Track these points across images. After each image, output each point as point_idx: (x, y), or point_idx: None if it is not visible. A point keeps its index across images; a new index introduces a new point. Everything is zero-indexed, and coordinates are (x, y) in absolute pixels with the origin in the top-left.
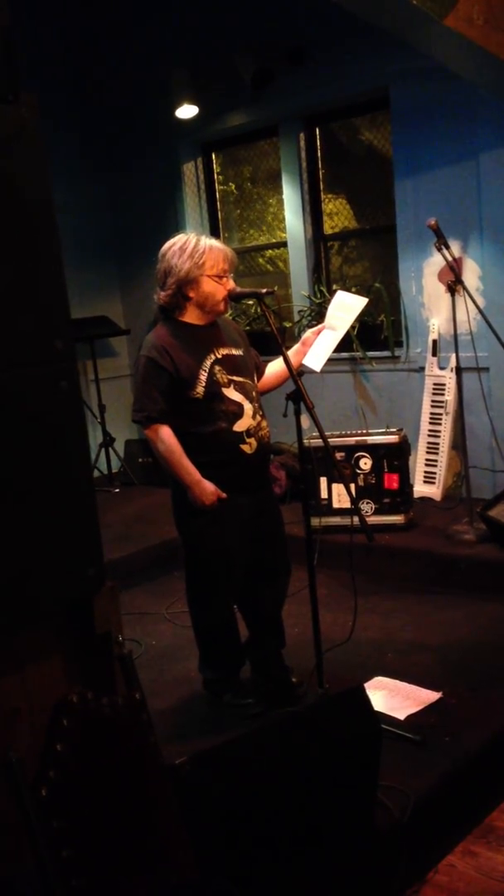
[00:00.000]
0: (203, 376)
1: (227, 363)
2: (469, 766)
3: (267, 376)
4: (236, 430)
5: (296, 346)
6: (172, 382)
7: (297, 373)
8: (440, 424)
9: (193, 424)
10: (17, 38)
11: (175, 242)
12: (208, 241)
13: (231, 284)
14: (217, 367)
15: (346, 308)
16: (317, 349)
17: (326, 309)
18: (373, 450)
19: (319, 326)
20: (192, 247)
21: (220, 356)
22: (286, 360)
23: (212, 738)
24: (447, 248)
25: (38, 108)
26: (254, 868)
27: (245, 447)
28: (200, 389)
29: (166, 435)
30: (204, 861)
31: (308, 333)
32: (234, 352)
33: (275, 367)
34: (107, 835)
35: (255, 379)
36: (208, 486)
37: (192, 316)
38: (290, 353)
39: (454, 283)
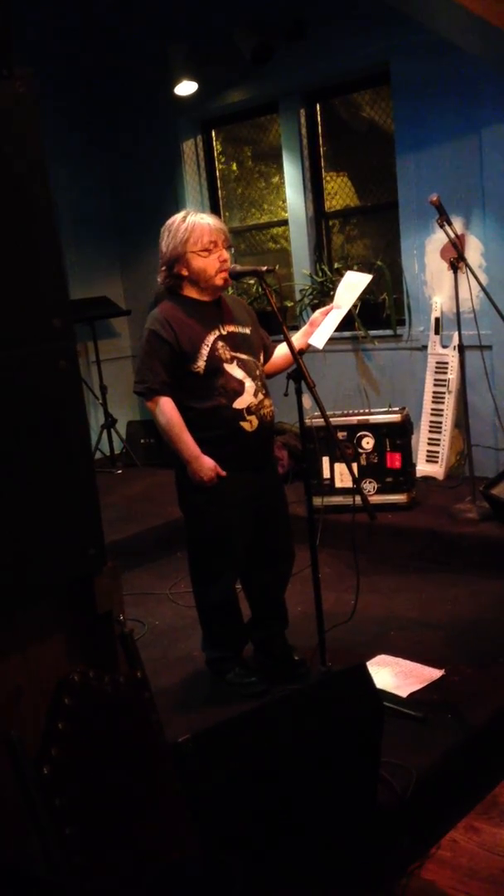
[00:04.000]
0: (205, 351)
1: (232, 340)
2: (471, 742)
3: (275, 358)
4: (236, 406)
5: (304, 327)
6: (174, 355)
7: (301, 351)
8: (443, 403)
9: (193, 399)
10: (12, 12)
11: (166, 224)
12: (193, 218)
13: (225, 256)
14: (220, 343)
15: (351, 287)
16: (322, 328)
17: (329, 287)
18: (375, 429)
19: (328, 307)
20: (176, 226)
21: (224, 332)
22: (286, 338)
23: (214, 716)
24: (449, 224)
25: (33, 83)
26: (256, 845)
27: (245, 424)
28: (201, 364)
29: (167, 407)
30: (205, 838)
31: (317, 314)
32: (241, 329)
33: (282, 350)
34: (109, 812)
35: (261, 358)
36: (207, 462)
37: (192, 292)
38: (298, 333)
39: (457, 259)
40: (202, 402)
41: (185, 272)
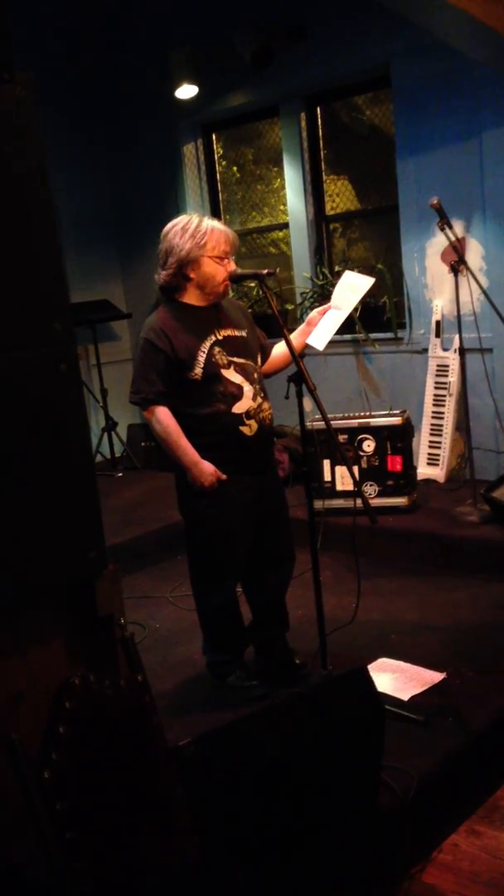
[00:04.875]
0: (201, 357)
1: (228, 344)
2: (472, 746)
3: (273, 358)
4: (235, 411)
5: (301, 327)
6: (170, 364)
7: (300, 353)
8: (444, 406)
9: (192, 406)
10: (13, 16)
11: (177, 223)
12: (211, 223)
13: (232, 266)
14: (217, 349)
15: (352, 288)
16: (321, 329)
17: (329, 290)
18: (376, 432)
19: (325, 306)
20: (195, 227)
21: (220, 337)
22: (287, 342)
23: (215, 719)
24: (450, 227)
25: (34, 87)
26: (257, 849)
27: (245, 429)
28: (199, 371)
29: (164, 416)
30: (207, 842)
31: (313, 313)
32: (237, 333)
33: (280, 349)
34: (110, 816)
35: (259, 361)
36: (207, 467)
37: (192, 297)
38: (295, 332)
39: (457, 263)
40: (201, 409)
41: (193, 275)
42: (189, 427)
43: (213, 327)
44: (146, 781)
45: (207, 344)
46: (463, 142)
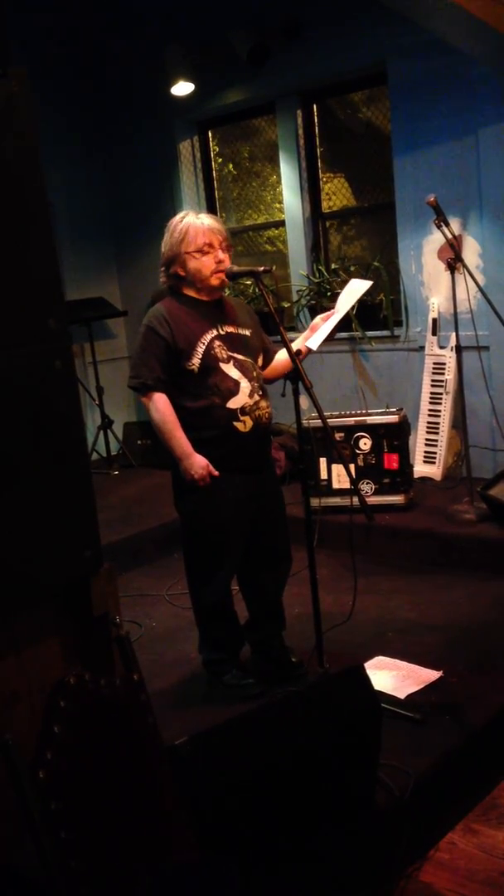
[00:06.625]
0: (200, 349)
1: (230, 340)
2: (469, 744)
3: (275, 363)
4: (230, 406)
5: (304, 332)
6: (169, 351)
7: (303, 356)
8: (440, 404)
9: (187, 398)
10: (9, 13)
11: (168, 223)
12: (190, 219)
13: (220, 257)
14: (217, 342)
15: (351, 292)
16: (319, 331)
17: (325, 288)
18: (372, 430)
19: (328, 312)
20: (174, 226)
21: (223, 332)
22: (284, 341)
23: (211, 718)
24: (447, 225)
25: (27, 82)
26: (255, 848)
27: (239, 425)
28: (196, 362)
29: (162, 403)
30: (204, 841)
31: (317, 319)
32: (240, 331)
33: (283, 356)
34: (106, 816)
35: (260, 361)
36: (199, 460)
37: (192, 292)
38: (299, 338)
39: (454, 260)
40: (196, 401)
41: (181, 272)
42: (184, 420)
43: (216, 321)
44: (142, 780)
45: (208, 336)
46: (460, 139)
